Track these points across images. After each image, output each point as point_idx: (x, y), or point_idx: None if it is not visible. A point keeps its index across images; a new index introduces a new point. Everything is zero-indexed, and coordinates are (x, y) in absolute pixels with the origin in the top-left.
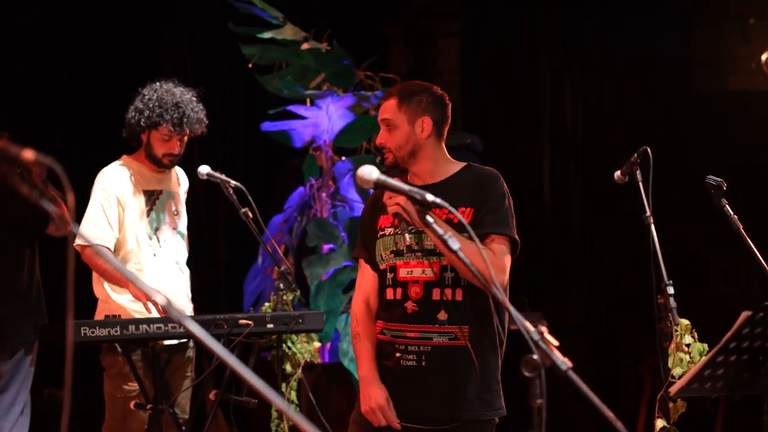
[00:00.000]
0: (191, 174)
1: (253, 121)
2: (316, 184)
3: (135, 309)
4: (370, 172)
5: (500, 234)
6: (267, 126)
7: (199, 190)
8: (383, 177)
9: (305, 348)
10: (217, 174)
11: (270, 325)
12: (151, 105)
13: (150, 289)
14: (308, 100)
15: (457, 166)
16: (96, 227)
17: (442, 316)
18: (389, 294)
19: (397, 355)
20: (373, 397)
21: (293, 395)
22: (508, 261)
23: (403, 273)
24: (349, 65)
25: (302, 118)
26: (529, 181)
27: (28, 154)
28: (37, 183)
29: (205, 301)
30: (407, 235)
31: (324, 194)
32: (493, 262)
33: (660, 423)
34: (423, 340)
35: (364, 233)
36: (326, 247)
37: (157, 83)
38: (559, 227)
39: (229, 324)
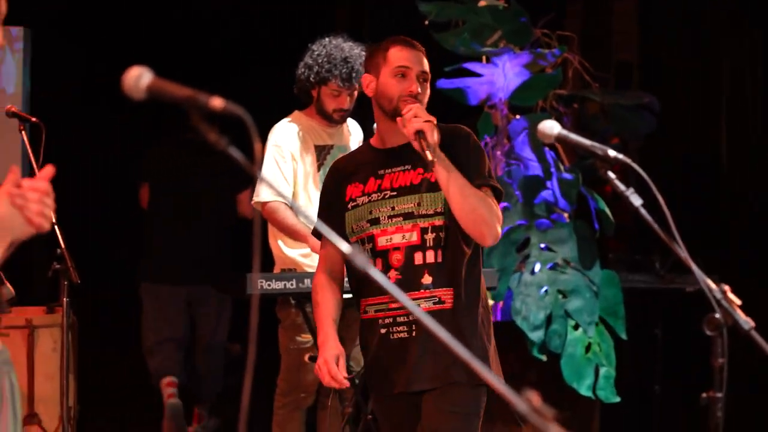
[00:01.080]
0: (367, 129)
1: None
2: (491, 142)
3: (306, 263)
4: (551, 126)
5: (487, 185)
6: (442, 83)
7: None
8: (564, 132)
9: None
10: None
11: None
12: (320, 61)
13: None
14: (484, 58)
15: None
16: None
17: (426, 280)
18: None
19: (382, 331)
20: (324, 353)
21: None
22: (500, 212)
23: (382, 242)
24: (526, 23)
25: (478, 75)
26: (705, 143)
27: (217, 102)
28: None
29: None
30: (428, 152)
31: (498, 152)
32: (493, 210)
33: None
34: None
35: (328, 207)
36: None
37: (327, 39)
38: (735, 191)
39: None
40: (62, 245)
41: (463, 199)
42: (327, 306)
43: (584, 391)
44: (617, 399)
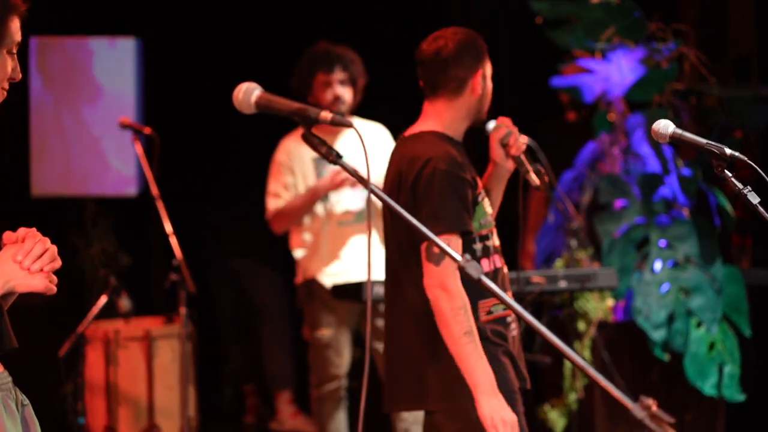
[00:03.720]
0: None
1: (540, 77)
2: (607, 140)
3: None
4: (666, 126)
5: None
6: (557, 81)
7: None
8: (679, 131)
9: (598, 306)
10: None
11: (563, 283)
12: (302, 60)
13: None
14: (598, 54)
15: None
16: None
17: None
18: (485, 265)
19: (513, 326)
20: (507, 409)
21: (587, 354)
22: None
23: (495, 239)
24: (639, 17)
25: (592, 72)
26: None
27: (326, 115)
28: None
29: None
30: (532, 175)
31: (616, 149)
32: None
33: None
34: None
35: (468, 201)
36: (618, 203)
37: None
38: None
39: (520, 282)
40: (178, 256)
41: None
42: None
43: (708, 390)
44: (742, 398)
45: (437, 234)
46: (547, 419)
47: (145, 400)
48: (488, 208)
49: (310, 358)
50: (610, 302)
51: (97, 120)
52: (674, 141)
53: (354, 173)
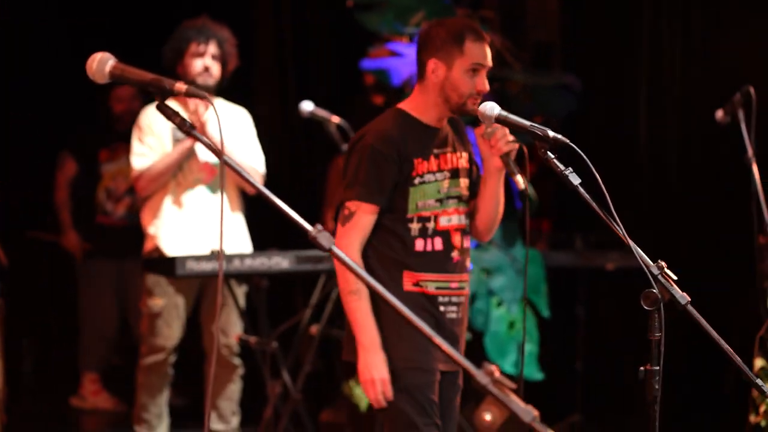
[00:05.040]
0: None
1: (351, 59)
2: None
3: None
4: (492, 107)
5: None
6: (366, 63)
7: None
8: (505, 113)
9: None
10: (320, 111)
11: None
12: (175, 37)
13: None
14: (406, 38)
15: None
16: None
17: (468, 263)
18: (420, 245)
19: (441, 308)
20: (379, 368)
21: None
22: None
23: (443, 221)
24: (448, 4)
25: (401, 55)
26: (627, 124)
27: (180, 86)
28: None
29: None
30: (519, 177)
31: None
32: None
33: (759, 362)
34: (461, 290)
35: (389, 175)
36: None
37: None
38: (658, 170)
39: (331, 260)
40: None
41: (496, 211)
42: (368, 299)
43: (508, 368)
44: (541, 376)
45: (347, 199)
46: (353, 395)
47: None
48: (438, 192)
49: (141, 327)
50: None
51: None
52: (499, 121)
53: (207, 144)
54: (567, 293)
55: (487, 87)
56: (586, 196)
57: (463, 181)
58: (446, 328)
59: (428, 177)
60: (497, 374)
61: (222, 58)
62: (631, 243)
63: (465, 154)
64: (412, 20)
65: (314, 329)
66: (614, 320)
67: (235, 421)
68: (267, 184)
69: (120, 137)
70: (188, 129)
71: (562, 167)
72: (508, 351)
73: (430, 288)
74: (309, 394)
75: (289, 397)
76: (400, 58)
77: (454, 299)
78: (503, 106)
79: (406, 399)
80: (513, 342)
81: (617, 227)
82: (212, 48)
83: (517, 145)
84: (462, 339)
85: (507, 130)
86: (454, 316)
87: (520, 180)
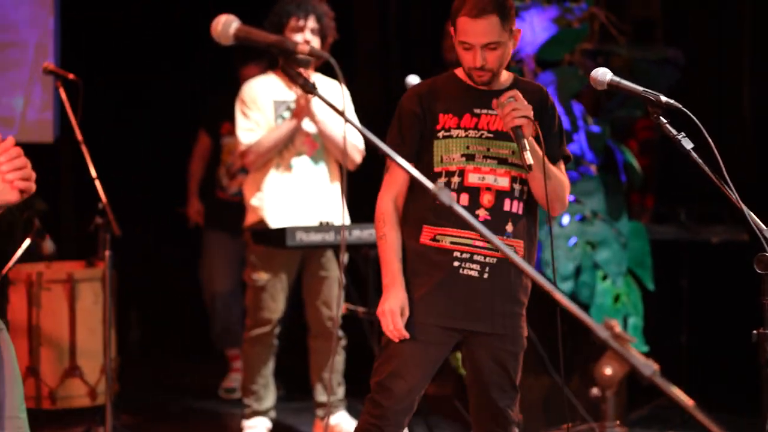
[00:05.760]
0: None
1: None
2: None
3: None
4: (604, 73)
5: (563, 156)
6: None
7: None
8: (617, 78)
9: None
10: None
11: None
12: (276, 9)
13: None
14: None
15: (507, 74)
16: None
17: (509, 228)
18: (456, 197)
19: (455, 264)
20: (392, 301)
21: None
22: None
23: (473, 179)
24: None
25: None
26: (730, 96)
27: (304, 47)
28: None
29: None
30: (527, 154)
31: None
32: (566, 188)
33: None
34: (491, 251)
35: (411, 128)
36: None
37: None
38: (762, 143)
39: None
40: (103, 199)
41: (547, 185)
42: (394, 242)
43: None
44: (646, 348)
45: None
46: (458, 367)
47: (67, 342)
48: (467, 149)
49: (246, 300)
50: None
51: (11, 65)
52: (611, 87)
53: (330, 104)
54: (671, 266)
55: (478, 63)
56: (699, 160)
57: (513, 145)
58: (460, 285)
59: (456, 132)
60: (617, 329)
61: (321, 33)
62: (744, 207)
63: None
64: None
65: None
66: (719, 293)
67: (340, 392)
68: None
69: None
70: (311, 89)
71: (674, 132)
72: None
73: (446, 242)
74: None
75: None
76: None
77: (478, 257)
78: None
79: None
80: (618, 315)
81: (731, 192)
82: (311, 22)
83: (525, 121)
84: (497, 302)
85: (518, 104)
86: (475, 274)
87: (527, 156)
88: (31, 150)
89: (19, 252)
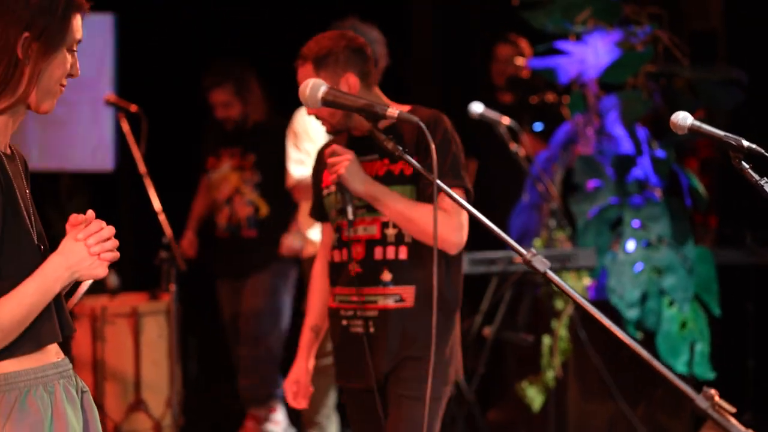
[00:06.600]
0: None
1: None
2: (582, 121)
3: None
4: (684, 118)
5: (450, 186)
6: (534, 63)
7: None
8: (698, 123)
9: (576, 285)
10: (490, 112)
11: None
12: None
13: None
14: (574, 36)
15: (399, 108)
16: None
17: (386, 276)
18: (336, 256)
19: (344, 323)
20: (294, 371)
21: (564, 332)
22: (462, 215)
23: (347, 233)
24: (615, 2)
25: (567, 54)
26: None
27: (393, 112)
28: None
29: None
30: (350, 207)
31: (590, 130)
32: (446, 221)
33: None
34: (368, 304)
35: (315, 191)
36: (591, 183)
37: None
38: None
39: (504, 262)
40: (168, 233)
41: (408, 224)
42: (314, 303)
43: (680, 367)
44: (712, 375)
45: None
46: (525, 396)
47: (132, 376)
48: (337, 203)
49: None
50: (586, 281)
51: (73, 95)
52: (693, 132)
53: (420, 168)
54: (737, 290)
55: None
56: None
57: None
58: (350, 343)
59: (331, 188)
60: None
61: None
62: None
63: (388, 161)
64: (579, 18)
65: (487, 331)
66: None
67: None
68: None
69: (223, 143)
70: (401, 153)
71: (756, 177)
72: (680, 350)
73: (335, 301)
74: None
75: (462, 398)
76: (567, 57)
77: (360, 313)
78: (669, 102)
79: None
80: (685, 342)
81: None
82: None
83: (345, 175)
84: (383, 354)
85: (337, 159)
86: (360, 330)
87: (349, 211)
88: (89, 180)
89: (85, 287)
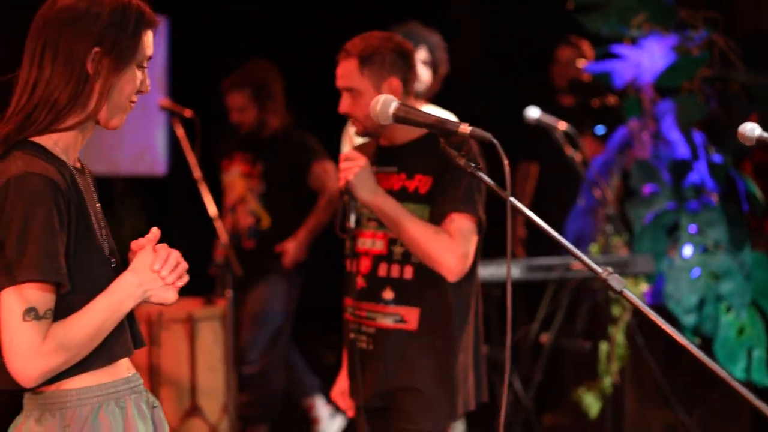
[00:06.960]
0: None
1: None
2: (637, 125)
3: None
4: (752, 129)
5: (461, 212)
6: (590, 67)
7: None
8: (766, 134)
9: (633, 290)
10: (546, 117)
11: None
12: None
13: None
14: (629, 40)
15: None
16: None
17: (388, 295)
18: (348, 265)
19: (352, 336)
20: (339, 383)
21: (621, 338)
22: (470, 244)
23: (360, 244)
24: (671, 4)
25: (623, 58)
26: None
27: (465, 128)
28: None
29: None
30: (352, 215)
31: (645, 135)
32: (450, 246)
33: None
34: (368, 320)
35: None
36: (647, 188)
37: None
38: None
39: (561, 268)
40: (223, 239)
41: (411, 243)
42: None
43: (738, 374)
44: None
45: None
46: (582, 402)
47: (188, 382)
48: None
49: None
50: (643, 287)
51: None
52: (760, 143)
53: (492, 185)
54: None
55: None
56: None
57: None
58: (353, 357)
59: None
60: None
61: (433, 64)
62: None
63: (405, 176)
64: (634, 22)
65: (545, 338)
66: None
67: (460, 428)
68: None
69: (239, 147)
70: (474, 170)
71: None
72: (738, 357)
73: (346, 311)
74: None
75: (520, 404)
76: (623, 61)
77: (363, 328)
78: (724, 106)
79: None
80: (743, 348)
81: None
82: (422, 53)
83: (353, 182)
84: (377, 374)
85: (348, 164)
86: (363, 346)
87: (351, 219)
88: (143, 184)
89: None
